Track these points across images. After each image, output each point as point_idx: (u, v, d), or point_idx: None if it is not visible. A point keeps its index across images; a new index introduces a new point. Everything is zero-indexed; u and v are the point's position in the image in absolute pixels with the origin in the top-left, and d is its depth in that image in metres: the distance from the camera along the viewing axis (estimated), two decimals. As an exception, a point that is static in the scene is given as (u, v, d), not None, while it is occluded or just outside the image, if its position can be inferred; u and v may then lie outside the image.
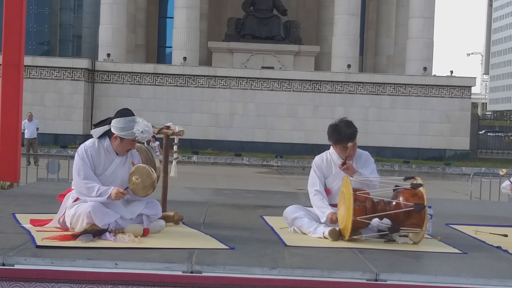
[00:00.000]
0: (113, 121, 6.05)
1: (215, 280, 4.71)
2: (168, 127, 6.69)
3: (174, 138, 6.73)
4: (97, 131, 6.10)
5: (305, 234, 6.34)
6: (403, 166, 29.70)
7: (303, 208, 6.57)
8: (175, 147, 6.75)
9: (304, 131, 32.22)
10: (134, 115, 6.08)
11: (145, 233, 5.87)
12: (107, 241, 5.54)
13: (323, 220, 6.37)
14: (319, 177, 6.54)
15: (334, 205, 6.44)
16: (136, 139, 6.07)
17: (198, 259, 5.00)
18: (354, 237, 6.07)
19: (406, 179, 6.31)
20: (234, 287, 4.70)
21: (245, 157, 29.85)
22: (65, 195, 6.25)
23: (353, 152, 6.44)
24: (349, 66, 32.92)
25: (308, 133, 32.01)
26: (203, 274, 4.77)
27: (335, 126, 6.42)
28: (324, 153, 6.66)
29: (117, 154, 6.11)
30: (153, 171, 6.02)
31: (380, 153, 30.73)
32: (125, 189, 5.94)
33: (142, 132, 6.01)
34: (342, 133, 6.36)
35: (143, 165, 6.10)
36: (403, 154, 32.15)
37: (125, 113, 6.08)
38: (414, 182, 6.19)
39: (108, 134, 6.09)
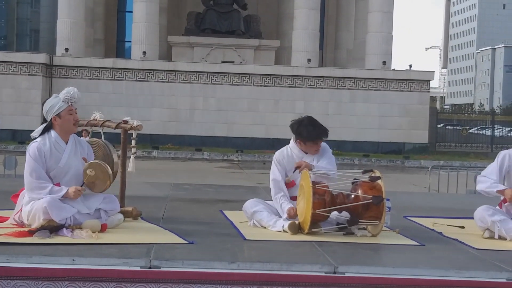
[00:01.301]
0: (43, 111, 6.04)
1: (173, 275, 4.69)
2: (126, 122, 6.63)
3: (132, 133, 6.68)
4: (36, 131, 6.06)
5: (265, 227, 6.35)
6: (363, 160, 29.90)
7: (262, 202, 6.57)
8: (133, 142, 6.70)
9: (265, 126, 32.24)
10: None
11: (103, 228, 5.82)
12: (64, 237, 5.48)
13: (284, 216, 6.39)
14: (280, 172, 6.56)
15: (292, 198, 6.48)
16: (70, 104, 6.00)
17: (157, 254, 4.97)
18: (313, 230, 6.10)
19: (364, 172, 6.35)
20: (193, 281, 4.68)
21: (205, 152, 29.77)
22: (19, 195, 6.16)
23: (313, 151, 6.53)
24: (309, 60, 33.02)
25: (268, 128, 32.04)
26: (162, 269, 4.74)
27: (311, 122, 6.50)
28: (284, 148, 6.68)
29: (66, 143, 6.04)
30: (107, 166, 5.97)
31: (340, 147, 30.88)
32: (81, 186, 5.89)
33: (67, 92, 6.01)
34: (319, 129, 6.51)
35: (97, 161, 6.04)
36: (363, 147, 32.36)
37: (46, 98, 6.11)
38: (373, 175, 6.24)
39: (50, 128, 6.04)
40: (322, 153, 6.59)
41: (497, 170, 6.46)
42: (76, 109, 6.10)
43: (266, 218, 6.36)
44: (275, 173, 6.57)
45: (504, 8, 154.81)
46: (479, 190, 6.59)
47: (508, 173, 6.46)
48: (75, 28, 32.95)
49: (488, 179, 6.44)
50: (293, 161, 6.52)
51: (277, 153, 6.63)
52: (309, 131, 6.46)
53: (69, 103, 6.02)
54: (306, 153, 6.54)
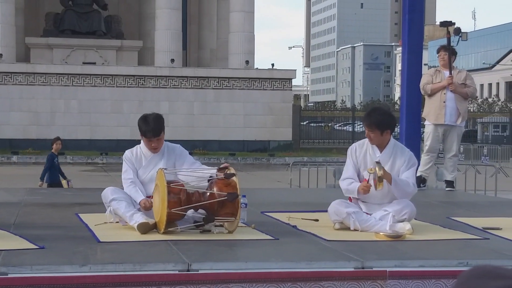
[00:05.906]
0: None
1: (21, 281, 4.54)
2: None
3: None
4: None
5: (122, 218, 6.26)
6: (229, 159, 30.10)
7: (123, 192, 6.49)
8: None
9: (130, 127, 31.76)
10: None
11: None
12: None
13: (138, 207, 6.36)
14: (132, 169, 6.54)
15: (148, 197, 6.44)
16: None
17: (4, 261, 4.80)
18: (169, 229, 6.06)
19: (219, 169, 6.39)
20: (42, 287, 4.55)
21: (68, 156, 29.07)
22: None
23: (156, 145, 6.50)
24: (172, 60, 32.95)
25: (134, 129, 31.13)
26: (9, 275, 4.59)
27: (144, 117, 6.49)
28: (135, 147, 6.71)
29: None
30: None
31: (206, 146, 31.04)
32: None
33: None
34: (150, 126, 6.42)
35: None
36: (229, 146, 32.62)
37: None
38: (227, 172, 6.28)
39: None
40: (180, 157, 6.59)
41: (350, 165, 6.68)
42: None
43: (124, 209, 6.26)
44: (125, 170, 6.58)
45: (362, 7, 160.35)
46: (345, 194, 6.76)
47: (360, 164, 6.67)
48: None
49: (347, 179, 6.63)
50: (142, 159, 6.56)
51: (127, 151, 6.63)
52: (139, 125, 6.50)
53: None
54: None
